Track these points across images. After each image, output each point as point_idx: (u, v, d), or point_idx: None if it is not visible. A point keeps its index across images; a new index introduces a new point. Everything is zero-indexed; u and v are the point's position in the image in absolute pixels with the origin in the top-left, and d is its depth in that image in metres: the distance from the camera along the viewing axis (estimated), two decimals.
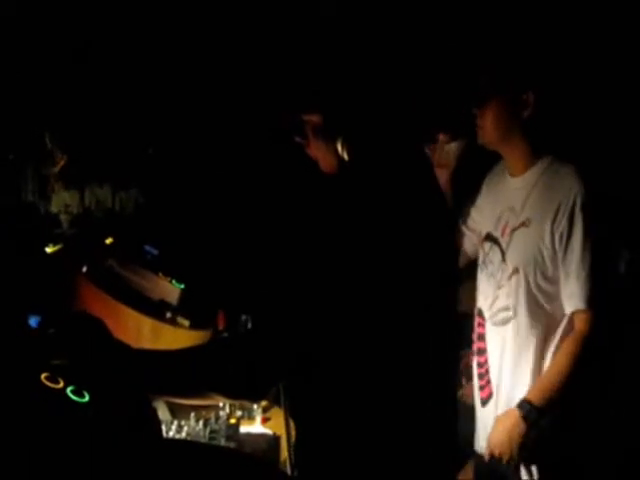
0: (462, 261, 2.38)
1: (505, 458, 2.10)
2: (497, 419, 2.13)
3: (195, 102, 4.09)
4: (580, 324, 2.07)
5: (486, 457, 2.16)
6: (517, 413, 2.07)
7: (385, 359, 1.58)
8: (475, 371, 2.27)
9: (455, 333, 2.10)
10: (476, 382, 2.26)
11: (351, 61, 1.74)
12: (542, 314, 2.10)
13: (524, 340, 2.11)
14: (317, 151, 1.70)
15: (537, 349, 2.11)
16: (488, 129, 2.16)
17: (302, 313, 1.53)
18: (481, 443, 2.24)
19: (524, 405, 2.07)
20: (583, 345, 2.05)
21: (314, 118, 1.68)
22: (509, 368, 2.15)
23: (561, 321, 2.10)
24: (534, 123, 2.12)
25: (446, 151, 2.32)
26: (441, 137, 2.32)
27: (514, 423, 2.07)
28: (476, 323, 2.26)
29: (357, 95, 1.66)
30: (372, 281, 1.54)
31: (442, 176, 2.28)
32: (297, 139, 1.74)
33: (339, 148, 1.63)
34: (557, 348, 2.09)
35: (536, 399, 2.06)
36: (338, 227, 1.53)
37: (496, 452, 2.11)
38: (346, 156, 1.62)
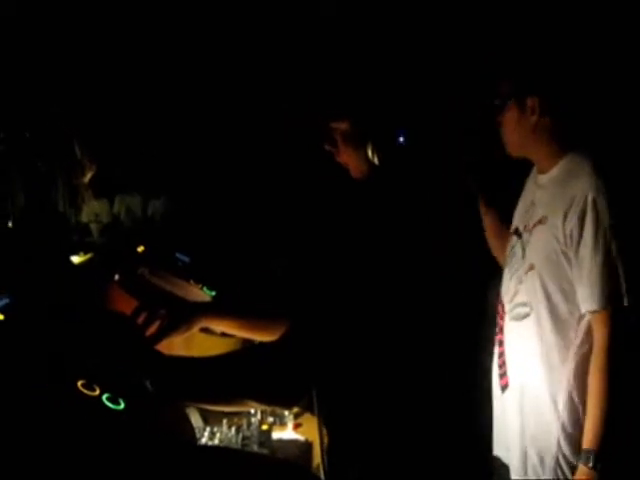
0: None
1: None
2: None
3: (225, 114, 4.12)
4: (598, 332, 1.99)
5: None
6: (584, 468, 1.98)
7: (417, 366, 1.58)
8: (495, 360, 2.26)
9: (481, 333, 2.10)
10: (496, 370, 2.25)
11: (376, 67, 1.74)
12: (559, 313, 2.06)
13: (541, 338, 2.08)
14: (347, 158, 1.70)
15: (555, 348, 2.06)
16: (507, 140, 2.19)
17: (335, 319, 1.53)
18: (499, 443, 2.24)
19: (588, 457, 1.97)
20: (609, 357, 1.97)
21: (343, 125, 1.69)
22: (526, 364, 2.13)
23: (580, 321, 2.04)
24: (550, 125, 2.12)
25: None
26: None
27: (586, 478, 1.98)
28: (498, 315, 2.26)
29: (384, 100, 1.66)
30: (403, 287, 1.54)
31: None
32: (327, 147, 1.74)
33: (369, 153, 1.63)
34: (576, 351, 2.04)
35: (594, 445, 1.97)
36: (370, 232, 1.53)
37: None
38: (376, 161, 1.62)
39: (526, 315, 2.13)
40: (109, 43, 4.15)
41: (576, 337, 2.04)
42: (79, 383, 1.41)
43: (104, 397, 1.40)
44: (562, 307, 2.06)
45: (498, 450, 2.32)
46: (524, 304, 2.13)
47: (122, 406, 1.40)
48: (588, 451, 1.97)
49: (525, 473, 2.12)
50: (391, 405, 1.59)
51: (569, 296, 2.05)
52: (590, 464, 1.95)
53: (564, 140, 2.14)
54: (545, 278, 2.08)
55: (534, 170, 2.30)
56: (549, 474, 2.07)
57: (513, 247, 2.24)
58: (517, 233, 2.24)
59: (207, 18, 4.09)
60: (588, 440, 1.97)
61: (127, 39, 4.17)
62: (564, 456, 2.04)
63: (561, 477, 2.05)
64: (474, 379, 1.92)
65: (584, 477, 1.97)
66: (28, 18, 3.81)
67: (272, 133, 3.83)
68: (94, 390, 1.41)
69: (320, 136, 1.73)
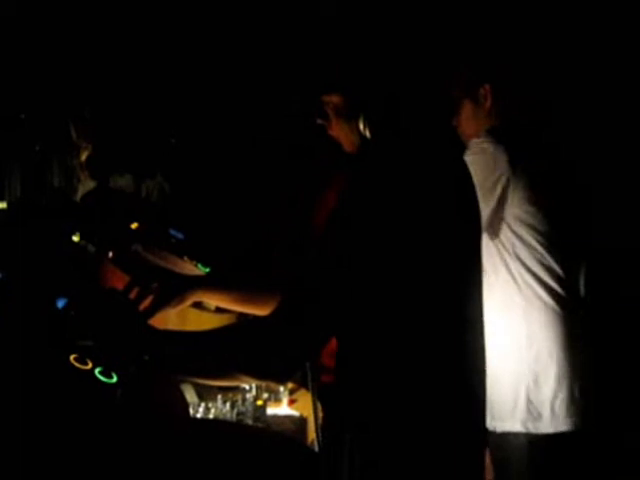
0: None
1: None
2: None
3: (216, 92, 4.12)
4: None
5: None
6: None
7: (413, 342, 1.56)
8: None
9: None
10: None
11: (366, 39, 1.73)
12: (502, 269, 2.31)
13: (495, 295, 2.27)
14: (339, 131, 1.69)
15: (504, 302, 2.29)
16: (464, 132, 2.39)
17: (330, 294, 1.52)
18: None
19: None
20: None
21: (334, 98, 1.68)
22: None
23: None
24: (501, 103, 2.34)
25: None
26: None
27: None
28: None
29: (375, 71, 1.65)
30: (397, 262, 1.53)
31: None
32: (319, 121, 1.73)
33: (361, 126, 1.62)
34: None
35: None
36: (363, 205, 1.52)
37: None
38: (368, 134, 1.61)
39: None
40: (105, 26, 4.15)
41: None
42: (72, 357, 1.42)
43: (96, 370, 1.41)
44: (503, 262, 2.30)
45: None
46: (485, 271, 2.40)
47: (115, 379, 1.41)
48: None
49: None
50: (385, 381, 1.58)
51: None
52: None
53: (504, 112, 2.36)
54: (486, 239, 2.29)
55: None
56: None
57: None
58: None
59: (207, 12, 4.10)
60: None
61: (128, 28, 4.16)
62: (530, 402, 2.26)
63: (530, 427, 2.25)
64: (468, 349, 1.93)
65: None
66: (28, 18, 3.81)
67: (270, 123, 3.83)
68: (86, 364, 1.42)
69: (312, 111, 1.72)
